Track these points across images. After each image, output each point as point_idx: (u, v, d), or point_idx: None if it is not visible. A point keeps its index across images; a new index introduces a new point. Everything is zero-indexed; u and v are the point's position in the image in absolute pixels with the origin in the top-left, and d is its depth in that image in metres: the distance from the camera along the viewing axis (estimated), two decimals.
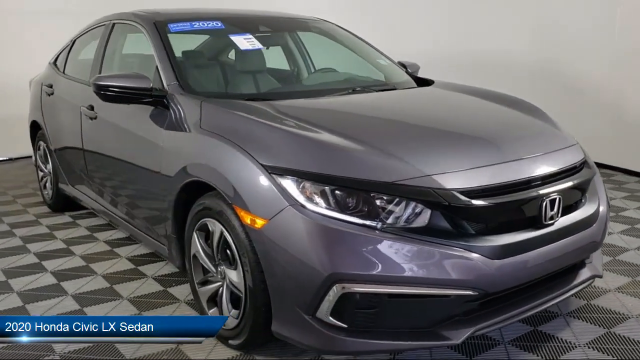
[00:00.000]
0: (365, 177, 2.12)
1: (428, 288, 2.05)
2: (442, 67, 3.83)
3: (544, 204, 2.27)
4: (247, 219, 2.25)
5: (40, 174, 4.90)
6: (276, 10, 4.33)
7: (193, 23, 3.41)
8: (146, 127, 2.99)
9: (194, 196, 2.65)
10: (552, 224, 2.31)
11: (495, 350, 2.53)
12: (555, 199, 2.31)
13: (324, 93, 3.10)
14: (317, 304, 2.09)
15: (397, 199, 2.10)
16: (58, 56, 4.72)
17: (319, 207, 2.10)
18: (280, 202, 2.14)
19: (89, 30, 4.30)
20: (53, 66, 4.67)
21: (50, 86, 4.41)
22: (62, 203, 4.65)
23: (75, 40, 4.47)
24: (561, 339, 2.61)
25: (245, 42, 3.34)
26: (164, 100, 2.91)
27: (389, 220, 2.08)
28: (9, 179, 6.00)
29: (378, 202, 2.10)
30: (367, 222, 2.07)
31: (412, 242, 2.05)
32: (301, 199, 2.12)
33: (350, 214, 2.09)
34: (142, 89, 2.91)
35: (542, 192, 2.29)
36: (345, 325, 2.10)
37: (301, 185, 2.15)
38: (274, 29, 3.63)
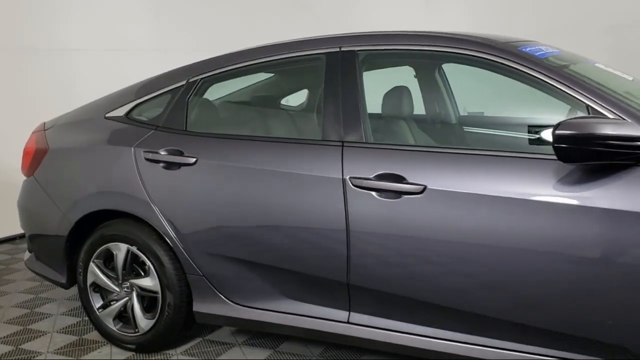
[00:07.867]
0: None
1: None
2: None
3: None
4: None
5: (96, 296, 3.03)
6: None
7: (539, 49, 2.48)
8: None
9: None
10: None
11: None
12: None
13: None
14: None
15: None
16: (134, 107, 3.05)
17: None
18: None
19: (242, 65, 2.87)
20: (143, 125, 2.96)
21: (179, 153, 2.77)
22: (170, 338, 2.93)
23: (198, 82, 2.92)
24: None
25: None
26: None
27: None
28: None
29: None
30: None
31: None
32: None
33: None
34: (635, 138, 1.99)
35: None
36: None
37: None
38: None
